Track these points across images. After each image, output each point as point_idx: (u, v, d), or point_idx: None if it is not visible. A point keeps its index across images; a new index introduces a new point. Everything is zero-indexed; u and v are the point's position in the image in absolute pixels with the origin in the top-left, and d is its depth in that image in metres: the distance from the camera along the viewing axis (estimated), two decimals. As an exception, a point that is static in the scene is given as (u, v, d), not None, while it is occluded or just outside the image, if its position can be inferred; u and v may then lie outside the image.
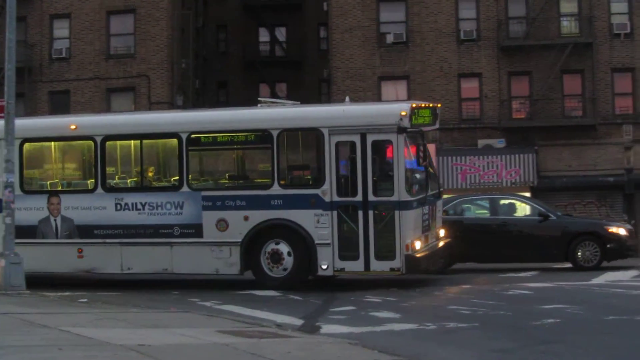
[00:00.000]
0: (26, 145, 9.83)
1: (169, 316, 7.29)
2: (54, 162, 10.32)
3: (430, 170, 9.91)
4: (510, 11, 24.03)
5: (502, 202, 12.64)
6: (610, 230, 11.74)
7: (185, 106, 22.45)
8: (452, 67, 23.05)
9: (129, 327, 6.14)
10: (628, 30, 23.28)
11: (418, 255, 8.76)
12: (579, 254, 11.24)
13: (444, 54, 23.17)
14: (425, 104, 10.02)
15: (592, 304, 7.72)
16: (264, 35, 30.38)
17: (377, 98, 21.47)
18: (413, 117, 8.97)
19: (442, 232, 10.25)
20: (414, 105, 9.08)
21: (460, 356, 5.33)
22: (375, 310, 7.50)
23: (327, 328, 6.55)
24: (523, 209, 12.48)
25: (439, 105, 10.72)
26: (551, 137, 21.58)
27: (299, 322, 6.91)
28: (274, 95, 26.30)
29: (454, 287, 9.70)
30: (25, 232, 9.19)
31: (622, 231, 11.81)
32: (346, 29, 23.29)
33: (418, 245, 8.89)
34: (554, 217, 11.82)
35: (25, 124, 10.12)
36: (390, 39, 23.35)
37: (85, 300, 8.39)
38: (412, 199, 8.80)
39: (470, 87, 22.65)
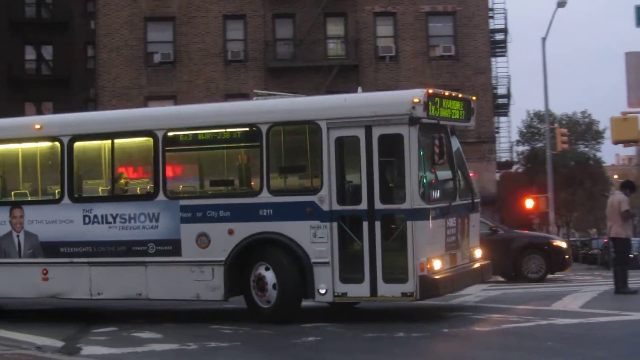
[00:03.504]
0: None
1: None
2: (18, 168, 9.15)
3: (460, 174, 8.16)
4: (278, 33, 24.96)
5: None
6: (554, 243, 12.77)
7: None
8: (219, 87, 23.68)
9: None
10: (393, 54, 24.55)
11: (437, 277, 7.10)
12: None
13: (211, 74, 23.95)
14: (454, 94, 8.35)
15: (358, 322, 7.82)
16: (30, 53, 30.59)
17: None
18: (432, 107, 7.33)
19: (478, 253, 8.42)
20: (431, 91, 7.44)
21: None
22: (138, 330, 7.54)
23: (87, 349, 6.56)
24: None
25: (473, 98, 8.76)
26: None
27: (60, 343, 6.86)
28: (40, 114, 25.77)
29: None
30: None
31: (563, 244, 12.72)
32: (113, 48, 24.07)
33: (438, 265, 7.19)
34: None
35: None
36: (157, 58, 24.25)
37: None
38: (428, 206, 7.16)
39: (238, 107, 22.93)
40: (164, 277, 7.90)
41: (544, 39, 24.15)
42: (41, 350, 6.39)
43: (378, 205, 7.18)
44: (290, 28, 24.81)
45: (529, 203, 24.93)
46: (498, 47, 28.60)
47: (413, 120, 7.07)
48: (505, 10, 28.41)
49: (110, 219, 8.07)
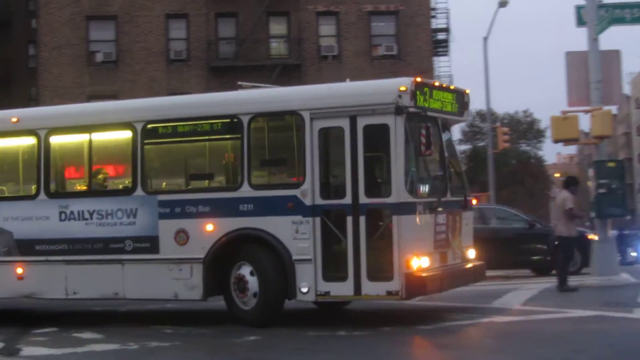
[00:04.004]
0: None
1: None
2: None
3: (452, 169, 7.87)
4: (221, 32, 25.49)
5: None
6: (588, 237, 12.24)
7: None
8: (162, 86, 23.80)
9: None
10: (335, 53, 25.08)
11: (424, 275, 6.77)
12: None
13: (153, 73, 24.31)
14: (445, 84, 8.09)
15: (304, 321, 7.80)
16: (-30, 52, 30.92)
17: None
18: (420, 96, 7.05)
19: (471, 253, 8.07)
20: (419, 79, 7.15)
21: None
22: (79, 331, 7.58)
23: (27, 350, 6.71)
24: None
25: (466, 91, 8.32)
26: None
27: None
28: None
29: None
30: None
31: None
32: (55, 46, 24.27)
33: (425, 262, 6.87)
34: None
35: None
36: (99, 57, 24.46)
37: None
38: (415, 200, 6.89)
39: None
40: (142, 275, 7.68)
41: (485, 39, 24.74)
42: None
43: (363, 199, 6.91)
44: (233, 27, 25.31)
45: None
46: (440, 46, 29.37)
47: (399, 110, 6.77)
48: (448, 10, 29.02)
49: (87, 215, 7.87)
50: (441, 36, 29.02)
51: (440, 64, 29.69)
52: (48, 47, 24.35)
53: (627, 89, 55.69)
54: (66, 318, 8.76)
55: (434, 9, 27.63)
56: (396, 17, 25.40)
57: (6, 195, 8.62)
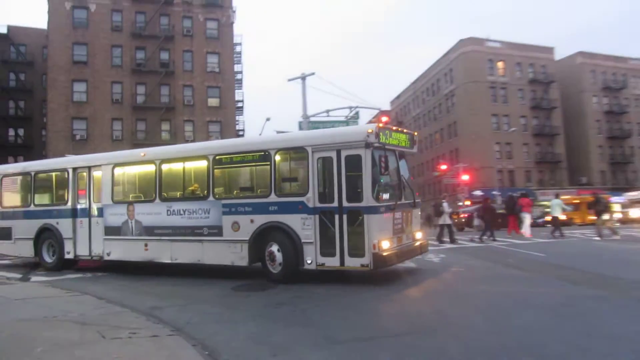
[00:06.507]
0: None
1: None
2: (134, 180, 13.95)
3: (405, 183, 11.01)
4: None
5: None
6: None
7: None
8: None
9: None
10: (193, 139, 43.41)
11: (384, 254, 9.78)
12: None
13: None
14: (401, 129, 11.24)
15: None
16: None
17: None
18: (382, 136, 10.05)
19: (419, 235, 11.37)
20: (380, 125, 10.30)
21: (99, 288, 10.95)
22: (71, 274, 13.61)
23: (35, 278, 12.80)
24: None
25: (415, 133, 11.85)
26: None
27: (19, 276, 13.29)
28: None
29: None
30: None
31: None
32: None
33: (386, 244, 9.89)
34: None
35: None
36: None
37: None
38: (378, 204, 9.81)
39: None
40: (213, 250, 11.46)
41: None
42: (9, 280, 12.38)
43: (345, 203, 9.96)
44: (144, 125, 47.74)
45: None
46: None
47: (367, 145, 9.86)
48: (244, 122, 46.49)
49: (182, 212, 12.15)
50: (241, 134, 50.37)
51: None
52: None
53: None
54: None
55: (237, 122, 50.41)
56: (220, 124, 48.21)
57: (141, 199, 12.97)
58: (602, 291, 8.82)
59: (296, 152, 10.94)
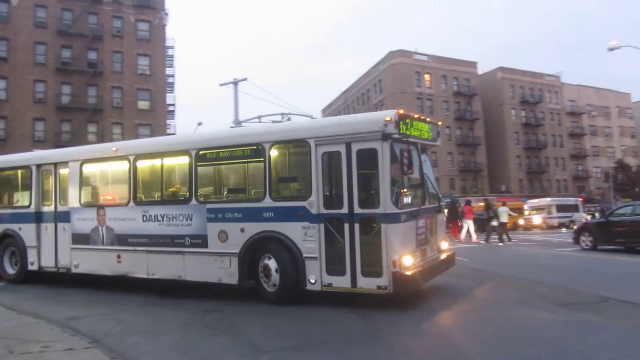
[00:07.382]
0: None
1: None
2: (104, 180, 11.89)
3: (428, 183, 9.11)
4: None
5: None
6: None
7: None
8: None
9: None
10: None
11: (408, 273, 7.94)
12: None
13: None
14: (422, 117, 9.28)
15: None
16: None
17: None
18: (402, 125, 8.25)
19: (444, 245, 9.46)
20: (401, 111, 8.36)
21: (11, 296, 10.17)
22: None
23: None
24: None
25: (439, 122, 9.99)
26: None
27: None
28: None
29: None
30: None
31: None
32: None
33: (409, 261, 8.06)
34: None
35: None
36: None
37: None
38: (400, 211, 8.03)
39: None
40: (196, 264, 9.60)
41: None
42: None
43: (357, 209, 8.13)
44: (68, 126, 45.00)
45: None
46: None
47: (385, 136, 7.97)
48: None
49: (160, 218, 10.17)
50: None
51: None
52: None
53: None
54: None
55: (169, 126, 50.11)
56: (150, 127, 46.79)
57: (113, 202, 11.05)
58: None
59: (296, 146, 9.06)
